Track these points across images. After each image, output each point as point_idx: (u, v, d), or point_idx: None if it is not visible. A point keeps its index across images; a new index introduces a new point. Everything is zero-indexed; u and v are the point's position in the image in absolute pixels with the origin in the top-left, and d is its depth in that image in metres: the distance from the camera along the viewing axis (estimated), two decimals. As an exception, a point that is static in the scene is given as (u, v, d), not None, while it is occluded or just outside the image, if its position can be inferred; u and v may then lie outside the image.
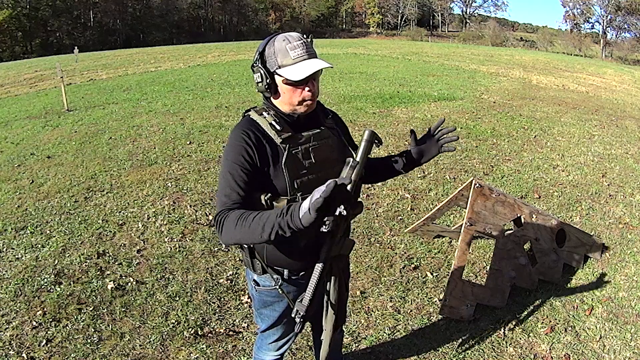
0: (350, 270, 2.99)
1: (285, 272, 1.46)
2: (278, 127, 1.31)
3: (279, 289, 1.46)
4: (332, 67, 1.30)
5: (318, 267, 1.22)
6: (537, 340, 2.42)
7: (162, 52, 22.74)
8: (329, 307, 1.44)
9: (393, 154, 1.58)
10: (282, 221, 1.05)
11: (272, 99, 1.37)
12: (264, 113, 1.35)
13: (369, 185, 4.41)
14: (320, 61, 1.25)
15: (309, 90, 1.28)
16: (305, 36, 1.32)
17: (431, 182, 4.56)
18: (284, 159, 1.29)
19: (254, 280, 1.52)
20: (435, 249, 3.32)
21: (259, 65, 1.29)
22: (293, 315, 1.27)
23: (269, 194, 1.29)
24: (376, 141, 1.33)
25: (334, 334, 1.49)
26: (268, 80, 1.29)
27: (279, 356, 1.72)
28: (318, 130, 1.38)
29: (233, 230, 1.15)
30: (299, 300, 1.25)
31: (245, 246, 1.44)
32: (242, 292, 2.76)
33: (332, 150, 1.39)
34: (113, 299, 2.68)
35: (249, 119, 1.36)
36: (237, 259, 3.12)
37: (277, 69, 1.26)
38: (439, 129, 1.48)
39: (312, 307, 1.24)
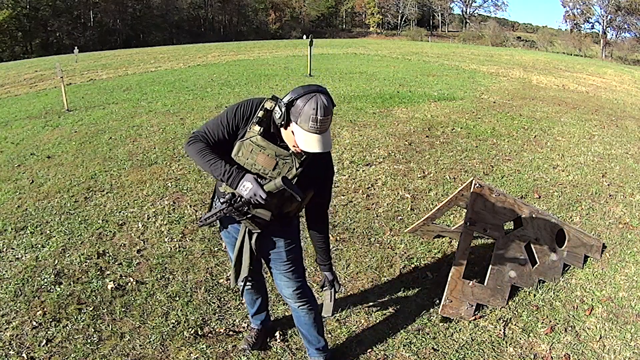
0: (350, 271, 3.01)
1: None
2: (264, 126, 1.66)
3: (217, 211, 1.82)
4: (328, 151, 1.59)
5: (216, 203, 1.84)
6: (537, 340, 2.42)
7: (162, 52, 22.73)
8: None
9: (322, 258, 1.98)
10: (224, 177, 1.61)
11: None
12: (272, 110, 1.64)
13: (369, 185, 4.42)
14: (323, 144, 1.53)
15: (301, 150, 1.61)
16: (330, 111, 1.54)
17: (431, 182, 4.56)
18: (240, 140, 1.68)
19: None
20: (435, 249, 3.32)
21: (284, 106, 1.55)
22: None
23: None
24: (291, 191, 1.59)
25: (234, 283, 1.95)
26: (284, 120, 1.57)
27: (242, 288, 2.03)
28: (280, 150, 1.66)
29: (195, 154, 1.66)
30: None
31: None
32: (242, 292, 2.76)
33: (274, 168, 1.67)
34: (113, 299, 2.68)
35: (262, 101, 1.69)
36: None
37: (295, 120, 1.54)
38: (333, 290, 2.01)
39: (204, 225, 1.78)
